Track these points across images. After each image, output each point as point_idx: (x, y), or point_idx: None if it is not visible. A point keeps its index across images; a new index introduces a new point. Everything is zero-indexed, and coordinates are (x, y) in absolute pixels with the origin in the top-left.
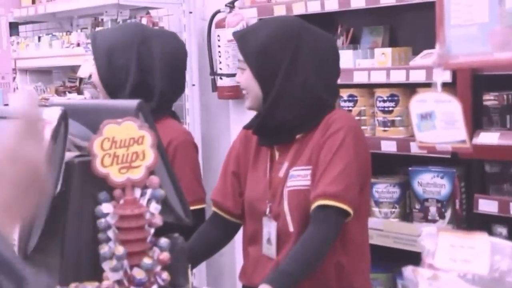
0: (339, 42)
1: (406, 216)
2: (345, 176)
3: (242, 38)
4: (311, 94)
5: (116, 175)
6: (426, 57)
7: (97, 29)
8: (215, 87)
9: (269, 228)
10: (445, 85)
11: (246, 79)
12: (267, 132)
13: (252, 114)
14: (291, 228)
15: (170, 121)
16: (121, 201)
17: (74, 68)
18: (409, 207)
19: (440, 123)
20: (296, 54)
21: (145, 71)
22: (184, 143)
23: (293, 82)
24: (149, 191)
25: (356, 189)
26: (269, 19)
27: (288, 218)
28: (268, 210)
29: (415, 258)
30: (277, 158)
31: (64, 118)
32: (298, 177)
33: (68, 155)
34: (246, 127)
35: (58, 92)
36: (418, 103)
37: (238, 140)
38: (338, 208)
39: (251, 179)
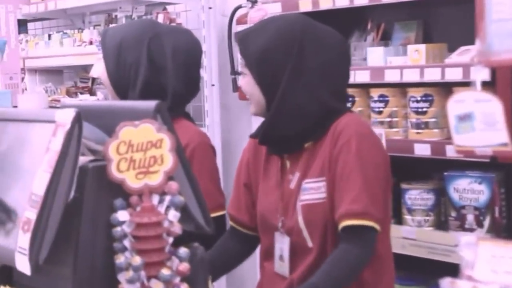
0: (369, 39)
1: (441, 224)
2: (367, 189)
3: (242, 40)
4: (317, 101)
5: (132, 181)
6: (463, 54)
7: (111, 26)
8: (236, 87)
9: (282, 244)
10: (483, 84)
11: (247, 84)
12: (273, 142)
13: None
14: (310, 244)
15: (184, 122)
16: (138, 209)
17: (86, 68)
18: (445, 215)
19: (479, 124)
20: (300, 59)
21: (156, 69)
22: (201, 145)
23: (297, 89)
24: (167, 198)
25: (381, 199)
26: (272, 18)
27: (305, 233)
28: (280, 224)
29: (450, 270)
30: (288, 168)
31: (78, 121)
32: (311, 190)
33: (82, 159)
34: (252, 136)
35: (69, 93)
36: (456, 104)
37: (247, 148)
38: (366, 226)
39: (262, 190)
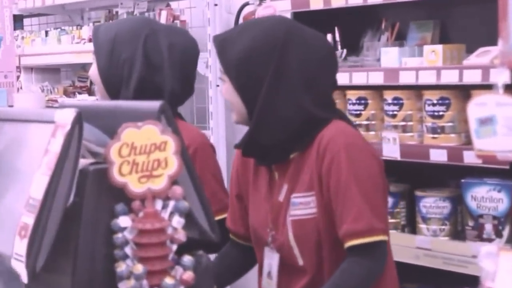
0: (383, 38)
1: (457, 234)
2: (367, 202)
3: (220, 45)
4: (300, 110)
5: (135, 185)
6: (482, 56)
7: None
8: None
9: (271, 260)
10: (504, 88)
11: (227, 92)
12: (256, 154)
13: None
14: (300, 262)
15: (181, 123)
16: (141, 214)
17: (85, 66)
18: (461, 224)
19: (501, 128)
20: (281, 66)
21: (152, 67)
22: (202, 146)
23: (279, 98)
24: (171, 203)
25: (382, 210)
26: (252, 22)
27: (296, 251)
28: (270, 239)
29: (467, 282)
30: (277, 179)
31: (78, 121)
32: (301, 205)
33: (82, 162)
34: (237, 146)
35: (67, 93)
36: (477, 107)
37: (236, 159)
38: (373, 242)
39: (252, 202)
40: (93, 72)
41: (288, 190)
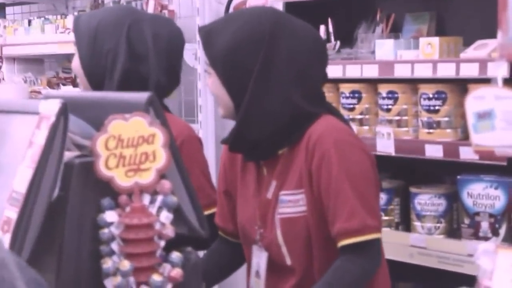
0: (378, 30)
1: (453, 232)
2: (360, 200)
3: (206, 36)
4: (288, 105)
5: (122, 179)
6: (480, 49)
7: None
8: None
9: (259, 259)
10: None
11: (213, 85)
12: (244, 149)
13: None
14: (288, 261)
15: (168, 115)
16: (128, 209)
17: (69, 57)
18: (457, 222)
19: (500, 123)
20: (269, 58)
21: (136, 57)
22: (189, 139)
23: (267, 92)
24: (159, 198)
25: (375, 207)
26: (239, 12)
27: (284, 249)
28: (258, 237)
29: (462, 281)
30: (265, 175)
31: (63, 113)
32: (290, 203)
33: (68, 155)
34: (224, 142)
35: (50, 84)
36: (475, 100)
37: (223, 154)
38: (369, 240)
39: (240, 198)
40: (75, 64)
41: (277, 187)
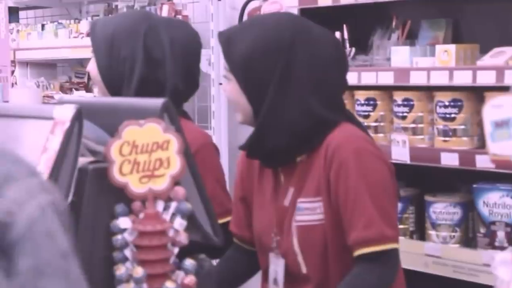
0: (393, 37)
1: (468, 241)
2: (378, 209)
3: (226, 42)
4: (308, 112)
5: (136, 185)
6: (497, 56)
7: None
8: None
9: (276, 266)
10: None
11: (232, 91)
12: (262, 156)
13: None
14: (304, 270)
15: (184, 122)
16: (141, 215)
17: (83, 62)
18: (472, 231)
19: None
20: (289, 65)
21: (154, 63)
22: (204, 146)
23: (286, 99)
24: (173, 205)
25: (393, 216)
26: (259, 18)
27: (300, 258)
28: (275, 245)
29: None
30: (283, 182)
31: (78, 118)
32: (307, 211)
33: (81, 160)
34: (242, 148)
35: (63, 89)
36: (493, 109)
37: (241, 160)
38: (384, 250)
39: (256, 205)
40: (93, 70)
41: (294, 194)
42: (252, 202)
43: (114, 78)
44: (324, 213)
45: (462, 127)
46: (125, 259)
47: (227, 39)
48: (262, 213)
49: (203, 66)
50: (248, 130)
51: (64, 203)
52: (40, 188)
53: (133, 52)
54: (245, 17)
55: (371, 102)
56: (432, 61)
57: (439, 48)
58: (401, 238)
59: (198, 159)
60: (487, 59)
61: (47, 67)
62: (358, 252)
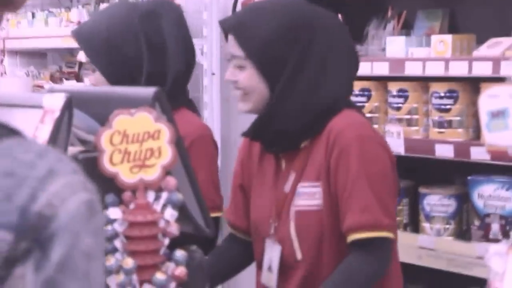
0: (389, 27)
1: (462, 234)
2: (376, 196)
3: (239, 29)
4: (321, 95)
5: (126, 175)
6: (493, 47)
7: (102, 5)
8: None
9: (272, 252)
10: None
11: (249, 78)
12: (268, 139)
13: None
14: (299, 256)
15: (185, 112)
16: (132, 206)
17: (73, 51)
18: (467, 224)
19: None
20: (307, 48)
21: (158, 54)
22: (200, 139)
23: (302, 80)
24: (164, 195)
25: (391, 206)
26: (268, 4)
27: (296, 244)
28: (272, 230)
29: (471, 284)
30: (284, 168)
31: (68, 107)
32: (306, 196)
33: (71, 150)
34: (245, 134)
35: (53, 79)
36: (489, 99)
37: (242, 147)
38: (378, 238)
39: (255, 192)
40: (98, 79)
41: (295, 179)
42: (251, 189)
43: (122, 80)
44: (322, 198)
45: (458, 118)
46: (115, 250)
47: (239, 26)
48: (261, 199)
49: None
50: (242, 121)
51: (100, 204)
52: (81, 185)
53: (136, 49)
54: (239, 7)
55: (366, 93)
56: (428, 52)
57: (435, 38)
58: None
59: (193, 151)
60: (484, 50)
61: (37, 56)
62: (352, 237)
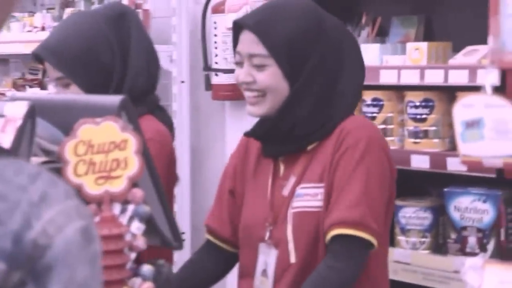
0: (363, 34)
1: (438, 247)
2: (367, 198)
3: (261, 28)
4: (336, 98)
5: (91, 187)
6: (470, 55)
7: (67, 10)
8: (209, 85)
9: (267, 257)
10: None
11: (271, 77)
12: (274, 139)
13: (253, 119)
14: (293, 259)
15: (147, 119)
16: (97, 219)
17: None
18: (443, 237)
19: (489, 132)
20: (326, 48)
21: (125, 58)
22: (150, 142)
23: (319, 82)
24: (131, 207)
25: (381, 214)
26: (281, 3)
27: (291, 246)
28: (267, 235)
29: None
30: (282, 173)
31: (31, 116)
32: (307, 197)
33: (34, 160)
34: (248, 134)
35: (16, 86)
36: (464, 108)
37: (236, 153)
38: (360, 239)
39: (248, 198)
40: (74, 90)
41: (296, 182)
42: (243, 195)
43: (99, 89)
44: (323, 200)
45: (433, 128)
46: None
47: (259, 25)
48: (255, 205)
49: (164, 63)
50: (212, 130)
51: (95, 230)
52: (76, 212)
53: (112, 55)
54: (208, 12)
55: None
56: (403, 59)
57: (410, 46)
58: None
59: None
60: (460, 58)
61: None
62: (333, 232)
